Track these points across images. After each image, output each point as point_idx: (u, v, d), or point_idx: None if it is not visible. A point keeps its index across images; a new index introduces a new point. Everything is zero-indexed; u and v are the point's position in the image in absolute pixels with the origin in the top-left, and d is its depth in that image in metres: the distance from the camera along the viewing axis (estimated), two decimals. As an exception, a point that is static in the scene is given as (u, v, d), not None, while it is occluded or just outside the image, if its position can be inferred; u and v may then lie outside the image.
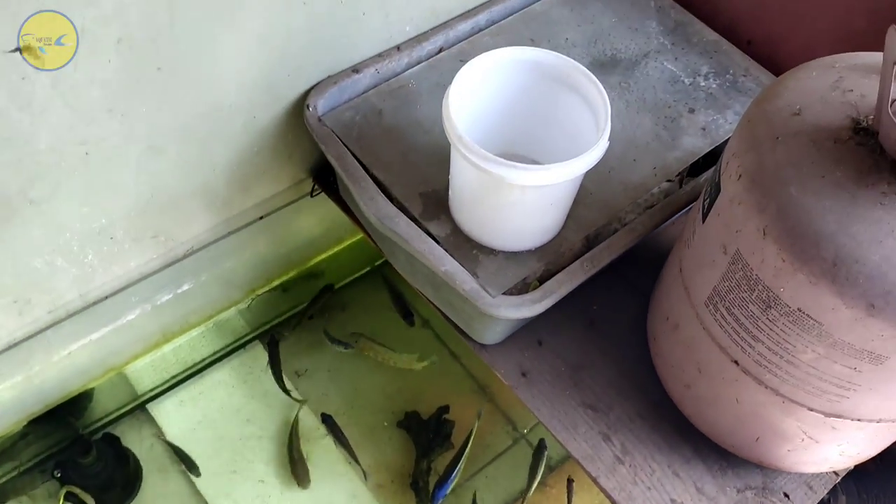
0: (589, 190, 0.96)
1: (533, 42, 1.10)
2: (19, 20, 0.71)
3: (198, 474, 1.21)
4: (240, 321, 1.35)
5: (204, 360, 1.31)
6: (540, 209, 0.88)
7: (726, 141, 0.97)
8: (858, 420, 0.77)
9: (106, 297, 1.08)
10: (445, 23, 1.10)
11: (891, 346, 0.66)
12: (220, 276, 1.24)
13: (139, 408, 1.27)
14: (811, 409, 0.77)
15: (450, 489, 1.22)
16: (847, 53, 0.76)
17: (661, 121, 1.03)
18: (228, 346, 1.33)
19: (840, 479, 0.95)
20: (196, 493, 1.21)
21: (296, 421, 1.26)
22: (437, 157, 0.98)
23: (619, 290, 1.05)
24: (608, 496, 0.93)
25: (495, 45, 1.07)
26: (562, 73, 0.88)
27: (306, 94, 1.02)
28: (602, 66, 1.08)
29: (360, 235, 1.15)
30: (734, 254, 0.73)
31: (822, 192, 0.65)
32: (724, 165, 0.75)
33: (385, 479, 1.25)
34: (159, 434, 1.24)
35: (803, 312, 0.68)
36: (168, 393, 1.29)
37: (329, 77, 1.03)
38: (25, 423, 1.18)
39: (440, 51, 1.09)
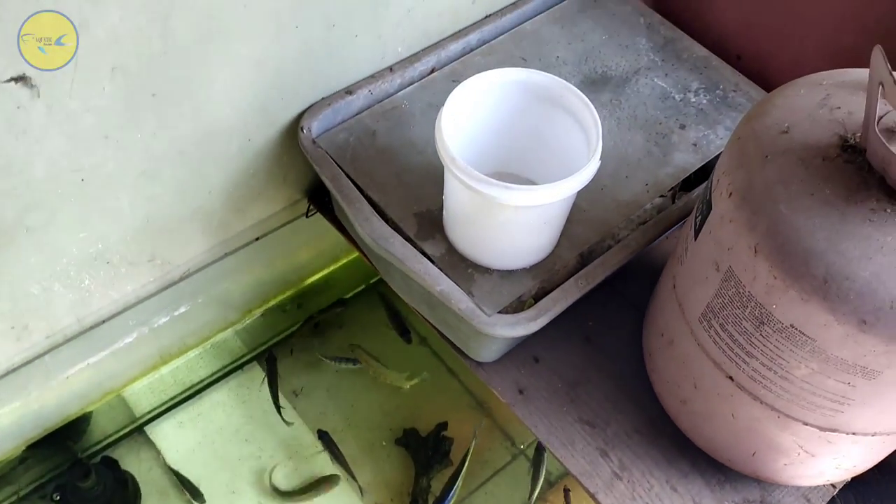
0: (582, 207, 0.97)
1: (524, 61, 1.11)
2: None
3: (202, 502, 1.21)
4: (237, 342, 1.35)
5: (202, 381, 1.31)
6: (533, 228, 0.89)
7: (717, 156, 0.97)
8: (854, 434, 0.77)
9: (103, 322, 1.08)
10: (437, 43, 1.11)
11: (883, 362, 0.66)
12: (217, 298, 1.24)
13: (138, 430, 1.27)
14: (806, 424, 0.78)
15: (449, 506, 1.22)
16: (834, 70, 0.77)
17: (653, 137, 1.04)
18: (226, 366, 1.33)
19: (838, 490, 0.95)
20: (196, 514, 1.21)
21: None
22: (431, 176, 0.99)
23: (614, 305, 1.06)
24: (607, 512, 0.93)
25: (487, 65, 1.09)
26: (553, 93, 0.89)
27: (300, 116, 1.02)
28: (593, 84, 1.09)
29: (356, 254, 1.16)
30: (726, 271, 0.74)
31: (812, 210, 0.66)
32: (715, 183, 0.76)
33: (384, 497, 1.25)
34: (159, 457, 1.24)
35: (796, 329, 0.69)
36: (166, 415, 1.28)
37: (323, 99, 1.03)
38: (24, 447, 1.18)
39: (432, 71, 1.10)
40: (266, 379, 1.31)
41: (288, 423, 1.28)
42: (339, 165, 1.00)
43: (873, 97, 0.64)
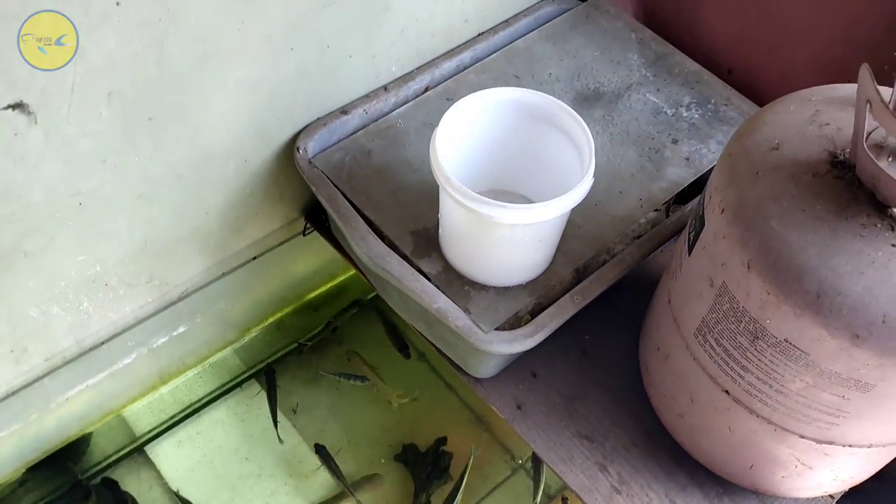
0: (577, 223, 0.97)
1: (517, 78, 1.12)
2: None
3: None
4: (235, 360, 1.35)
5: (201, 400, 1.31)
6: (529, 245, 0.89)
7: (710, 170, 0.98)
8: (850, 446, 0.78)
9: (102, 343, 1.08)
10: (431, 62, 1.12)
11: (877, 375, 0.67)
12: (215, 317, 1.25)
13: (137, 450, 1.27)
14: (803, 437, 0.78)
15: (449, 522, 1.22)
16: (823, 86, 0.78)
17: (646, 152, 1.05)
18: (225, 385, 1.34)
19: (836, 501, 0.96)
20: (196, 534, 1.21)
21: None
22: (427, 195, 0.99)
23: (610, 320, 1.07)
24: (607, 527, 0.93)
25: (480, 83, 1.10)
26: (546, 112, 0.90)
27: (296, 136, 1.03)
28: (586, 100, 1.10)
29: (353, 271, 1.16)
30: (720, 286, 0.74)
31: (803, 226, 0.67)
32: (708, 199, 0.77)
33: (384, 513, 1.25)
34: (159, 477, 1.24)
35: (790, 343, 0.69)
36: (166, 434, 1.29)
37: (318, 119, 1.04)
38: (24, 470, 1.18)
39: (426, 90, 1.11)
40: (265, 393, 1.31)
41: (281, 441, 1.28)
42: (335, 185, 1.01)
43: (861, 114, 0.64)
